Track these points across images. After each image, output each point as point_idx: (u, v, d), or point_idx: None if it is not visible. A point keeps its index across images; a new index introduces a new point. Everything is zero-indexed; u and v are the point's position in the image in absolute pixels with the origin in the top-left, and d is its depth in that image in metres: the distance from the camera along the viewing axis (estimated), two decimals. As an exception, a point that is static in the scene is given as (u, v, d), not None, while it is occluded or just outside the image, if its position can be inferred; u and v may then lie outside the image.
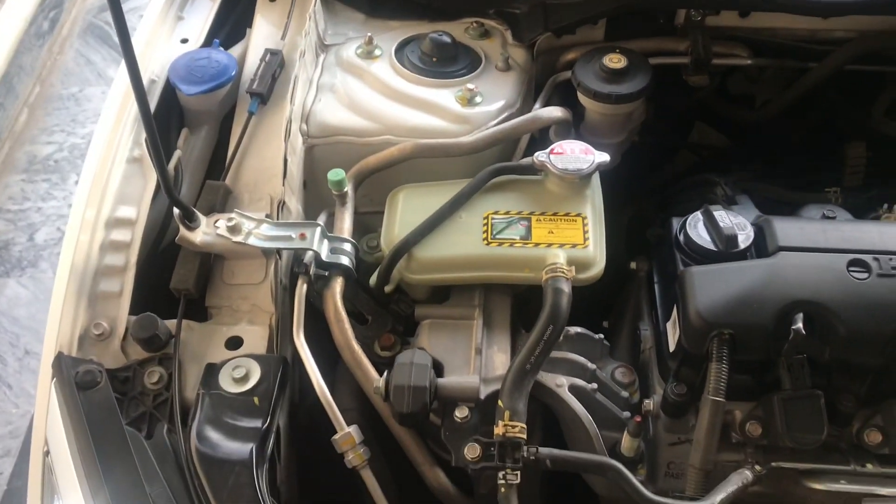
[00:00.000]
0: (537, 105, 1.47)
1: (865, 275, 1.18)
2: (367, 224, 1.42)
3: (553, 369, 1.23)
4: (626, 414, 1.25)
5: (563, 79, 1.53)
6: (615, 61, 1.42)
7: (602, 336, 1.33)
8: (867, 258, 1.19)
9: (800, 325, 1.13)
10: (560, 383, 1.21)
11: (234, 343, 1.23)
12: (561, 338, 1.27)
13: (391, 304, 1.30)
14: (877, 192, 1.55)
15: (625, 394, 1.28)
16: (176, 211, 1.22)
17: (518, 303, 1.31)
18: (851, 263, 1.19)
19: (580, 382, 1.22)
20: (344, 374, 1.24)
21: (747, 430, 1.18)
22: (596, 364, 1.30)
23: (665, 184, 1.72)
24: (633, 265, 1.45)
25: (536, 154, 1.31)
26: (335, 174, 1.30)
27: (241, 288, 1.27)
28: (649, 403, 1.24)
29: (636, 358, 1.37)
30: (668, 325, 1.27)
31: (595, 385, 1.23)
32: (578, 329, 1.30)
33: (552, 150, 1.31)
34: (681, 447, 1.23)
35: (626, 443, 1.21)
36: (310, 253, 1.23)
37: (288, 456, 1.23)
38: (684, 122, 1.82)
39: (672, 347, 1.23)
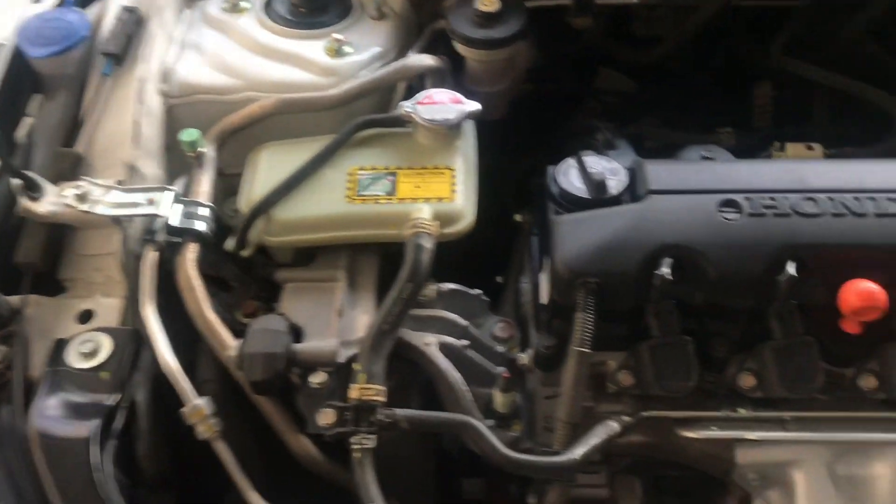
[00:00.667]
0: (411, 53, 1.41)
1: (736, 215, 1.13)
2: (236, 186, 1.35)
3: (424, 328, 1.19)
4: (501, 369, 1.21)
5: (441, 27, 1.46)
6: (487, 4, 1.35)
7: (480, 292, 1.28)
8: (738, 198, 1.14)
9: (667, 270, 1.09)
10: (428, 342, 1.16)
11: (86, 317, 1.18)
12: (435, 295, 1.23)
13: (256, 269, 1.25)
14: (770, 131, 1.51)
15: (500, 349, 1.24)
16: (14, 181, 1.15)
17: (389, 262, 1.26)
18: (722, 204, 1.14)
19: (450, 340, 1.18)
20: (205, 345, 1.18)
21: (620, 380, 1.14)
22: (476, 320, 1.26)
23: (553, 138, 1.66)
24: (517, 217, 1.40)
25: (402, 104, 1.26)
26: (187, 135, 1.23)
27: (94, 259, 1.22)
28: (523, 357, 1.20)
29: (518, 312, 1.33)
30: (542, 277, 1.22)
31: (466, 342, 1.19)
32: (453, 286, 1.25)
33: (419, 100, 1.26)
34: (557, 400, 1.20)
35: (499, 398, 1.17)
36: (160, 219, 1.17)
37: (152, 429, 1.19)
38: (585, 67, 1.76)
39: (544, 299, 1.19)
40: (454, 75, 1.42)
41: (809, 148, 1.43)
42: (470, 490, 1.33)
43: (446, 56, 1.43)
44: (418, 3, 1.49)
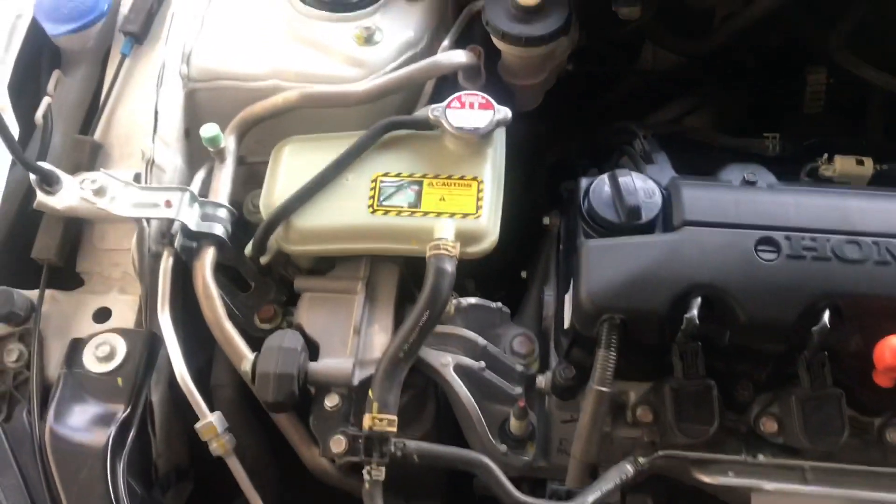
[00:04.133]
0: (446, 42, 1.33)
1: (774, 255, 1.08)
2: (258, 174, 1.31)
3: (442, 346, 1.17)
4: (518, 390, 1.20)
5: (479, 8, 1.37)
6: (529, -1, 1.27)
7: (500, 305, 1.25)
8: (778, 236, 1.09)
9: (694, 312, 1.04)
10: (446, 362, 1.15)
11: (103, 315, 1.17)
12: (454, 312, 1.20)
13: (276, 269, 1.22)
14: (817, 141, 1.43)
15: (520, 367, 1.22)
16: (32, 176, 1.12)
17: (409, 273, 1.23)
18: (760, 242, 1.09)
19: (467, 361, 1.16)
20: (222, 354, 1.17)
21: (638, 416, 1.12)
22: (494, 331, 1.24)
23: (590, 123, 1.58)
24: (546, 220, 1.35)
25: (431, 108, 1.19)
26: (208, 130, 1.19)
27: (112, 253, 1.19)
28: (541, 381, 1.18)
29: (540, 323, 1.30)
30: (567, 298, 1.19)
31: (483, 364, 1.17)
32: (473, 300, 1.22)
33: (448, 103, 1.19)
34: (573, 425, 1.17)
35: (514, 423, 1.16)
36: (177, 223, 1.14)
37: (168, 428, 1.20)
38: (629, 46, 1.67)
39: (566, 324, 1.16)
40: (489, 62, 1.35)
41: (860, 162, 1.35)
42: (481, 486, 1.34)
43: (482, 42, 1.36)
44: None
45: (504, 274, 1.40)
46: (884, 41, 1.52)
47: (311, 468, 1.16)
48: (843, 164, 1.35)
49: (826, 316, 1.04)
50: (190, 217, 1.15)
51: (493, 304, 1.24)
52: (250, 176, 1.31)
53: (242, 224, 1.25)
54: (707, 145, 1.48)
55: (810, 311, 1.05)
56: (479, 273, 1.34)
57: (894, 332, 1.03)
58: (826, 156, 1.36)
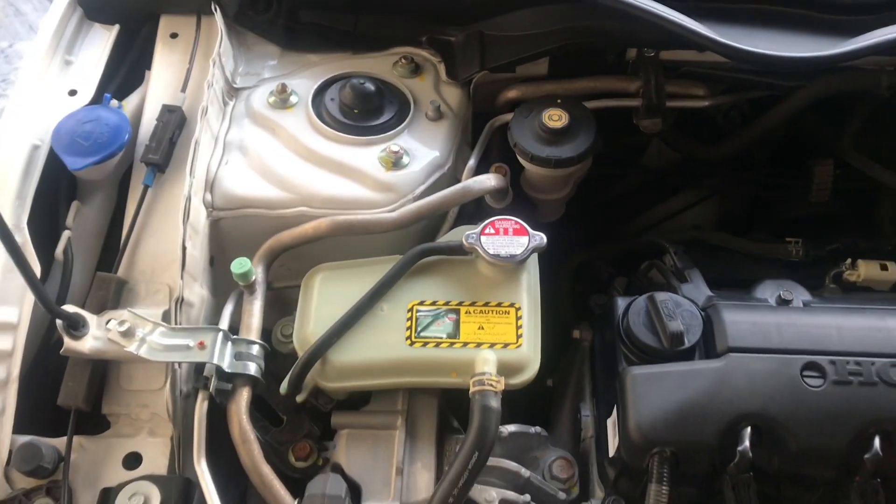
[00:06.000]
0: (471, 160, 1.33)
1: (820, 381, 1.08)
2: (285, 298, 1.29)
3: (485, 478, 1.14)
4: (563, 523, 1.17)
5: (503, 122, 1.38)
6: (555, 119, 1.27)
7: (539, 429, 1.23)
8: (823, 361, 1.09)
9: (746, 443, 1.04)
10: (490, 498, 1.12)
11: (133, 461, 1.12)
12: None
13: (310, 401, 1.19)
14: (839, 246, 1.44)
15: (562, 495, 1.19)
16: (59, 321, 1.09)
17: (446, 401, 1.21)
18: (806, 367, 1.09)
19: (512, 496, 1.13)
20: (257, 493, 1.13)
21: (689, 547, 1.10)
22: (533, 454, 1.22)
23: (614, 230, 1.59)
24: (575, 333, 1.34)
25: (466, 235, 1.18)
26: (239, 266, 1.16)
27: (139, 394, 1.15)
28: None
29: (577, 443, 1.27)
30: (609, 424, 1.17)
31: (528, 497, 1.14)
32: (512, 428, 1.20)
33: (483, 229, 1.18)
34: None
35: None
36: (209, 365, 1.11)
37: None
38: (638, 145, 1.68)
39: (612, 452, 1.14)
40: (512, 175, 1.35)
41: (884, 268, 1.36)
42: None
43: (498, 156, 1.36)
44: (481, 89, 1.40)
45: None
46: (891, 139, 1.55)
47: None
48: (867, 269, 1.36)
49: (877, 442, 1.04)
50: (224, 358, 1.11)
51: (532, 430, 1.22)
52: (277, 299, 1.29)
53: (271, 353, 1.22)
54: (728, 250, 1.48)
55: (860, 437, 1.05)
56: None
57: (946, 456, 1.04)
58: (849, 261, 1.37)
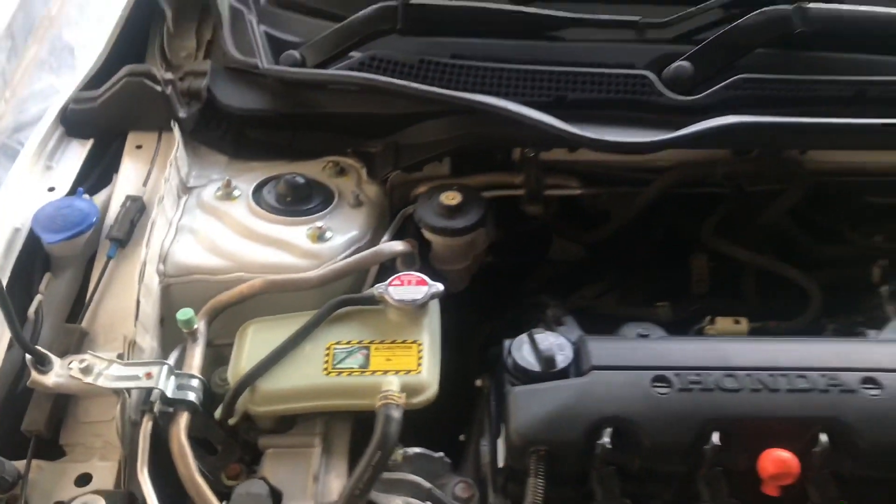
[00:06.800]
0: (386, 237, 1.59)
1: (667, 389, 1.30)
2: (224, 355, 1.50)
3: (391, 490, 1.31)
4: (462, 529, 1.34)
5: (411, 212, 1.66)
6: (451, 199, 1.56)
7: (442, 454, 1.41)
8: (669, 374, 1.32)
9: (607, 439, 1.24)
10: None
11: (84, 480, 1.29)
12: (402, 459, 1.36)
13: (240, 434, 1.38)
14: (703, 304, 1.70)
15: (464, 533, 1.37)
16: (28, 356, 1.29)
17: (361, 426, 1.40)
18: (655, 379, 1.31)
19: (415, 502, 1.30)
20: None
21: (569, 540, 1.27)
22: (439, 481, 1.39)
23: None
24: (478, 382, 1.55)
25: (376, 286, 1.43)
26: (183, 314, 1.39)
27: (93, 426, 1.34)
28: None
29: (478, 472, 1.46)
30: (499, 442, 1.37)
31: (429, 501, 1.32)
32: (418, 449, 1.38)
33: (390, 282, 1.43)
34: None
35: (458, 559, 1.30)
36: (156, 391, 1.31)
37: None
38: (541, 240, 1.96)
39: (501, 463, 1.33)
40: (422, 253, 1.61)
41: (736, 322, 1.62)
42: None
43: (415, 237, 1.62)
44: (397, 190, 1.69)
45: (444, 437, 1.57)
46: (746, 228, 1.85)
47: None
48: (723, 324, 1.61)
49: (715, 437, 1.25)
50: (168, 386, 1.31)
51: (436, 454, 1.41)
52: (216, 357, 1.50)
53: (210, 397, 1.42)
54: (611, 315, 1.73)
55: (702, 434, 1.26)
56: (422, 434, 1.51)
57: (772, 447, 1.25)
58: (709, 318, 1.63)
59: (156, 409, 1.30)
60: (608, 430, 1.25)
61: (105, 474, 1.29)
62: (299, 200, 1.61)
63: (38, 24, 3.28)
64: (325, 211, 1.61)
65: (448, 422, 1.62)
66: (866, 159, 1.71)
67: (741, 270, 1.89)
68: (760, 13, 1.61)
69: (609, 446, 1.23)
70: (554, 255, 1.99)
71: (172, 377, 1.34)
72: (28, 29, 1.55)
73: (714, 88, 1.59)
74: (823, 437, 1.25)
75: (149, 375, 1.31)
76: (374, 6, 1.71)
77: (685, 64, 1.62)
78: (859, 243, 1.83)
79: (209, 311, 1.46)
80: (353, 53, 1.73)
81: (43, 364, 1.31)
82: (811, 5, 1.58)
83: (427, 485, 1.34)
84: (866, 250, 1.81)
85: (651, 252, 1.97)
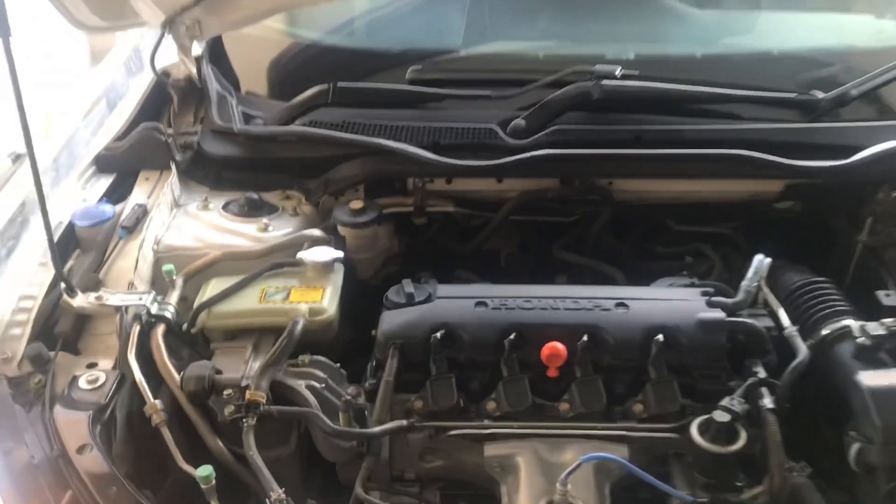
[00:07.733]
0: (315, 230, 2.29)
1: (484, 308, 1.95)
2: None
3: (299, 378, 1.94)
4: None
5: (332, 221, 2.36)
6: (356, 205, 2.27)
7: (339, 365, 2.04)
8: (488, 300, 1.97)
9: (437, 335, 1.88)
10: (300, 383, 1.92)
11: (91, 365, 1.93)
12: (308, 361, 1.99)
13: (199, 347, 2.03)
14: None
15: (347, 396, 1.98)
16: (62, 285, 1.97)
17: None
18: (477, 303, 1.97)
19: (314, 383, 1.93)
20: (165, 386, 1.92)
21: (415, 406, 1.88)
22: (336, 384, 2.02)
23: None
24: (374, 332, 2.19)
25: (298, 253, 2.12)
26: (167, 267, 2.08)
27: (101, 337, 1.99)
28: (353, 390, 1.94)
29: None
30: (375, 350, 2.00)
31: (324, 384, 1.94)
32: (319, 357, 2.02)
33: (309, 251, 2.12)
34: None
35: (342, 418, 1.90)
36: (144, 308, 1.97)
37: (127, 433, 1.87)
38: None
39: (374, 362, 1.97)
40: (341, 247, 2.30)
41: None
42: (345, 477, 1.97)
43: (333, 234, 2.32)
44: (322, 211, 2.40)
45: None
46: (585, 241, 2.52)
47: (212, 451, 1.85)
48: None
49: (512, 335, 1.89)
50: (153, 306, 1.98)
51: (335, 364, 2.04)
52: (187, 307, 2.16)
53: (180, 328, 2.07)
54: None
55: (505, 333, 1.89)
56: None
57: (551, 342, 1.88)
58: None
59: (143, 318, 1.96)
60: (441, 332, 1.90)
61: (106, 363, 1.93)
62: (253, 209, 2.32)
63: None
64: (272, 216, 2.32)
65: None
66: (658, 188, 2.41)
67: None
68: (572, 87, 2.38)
69: (439, 339, 1.87)
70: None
71: (156, 302, 2.00)
72: (70, 164, 2.22)
73: (538, 135, 2.33)
74: (585, 337, 1.88)
75: (140, 299, 1.98)
76: (314, 88, 2.50)
77: (520, 121, 2.37)
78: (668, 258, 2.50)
79: (186, 272, 2.14)
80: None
81: (72, 293, 1.98)
82: (604, 82, 2.34)
83: (323, 375, 1.97)
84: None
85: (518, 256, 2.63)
